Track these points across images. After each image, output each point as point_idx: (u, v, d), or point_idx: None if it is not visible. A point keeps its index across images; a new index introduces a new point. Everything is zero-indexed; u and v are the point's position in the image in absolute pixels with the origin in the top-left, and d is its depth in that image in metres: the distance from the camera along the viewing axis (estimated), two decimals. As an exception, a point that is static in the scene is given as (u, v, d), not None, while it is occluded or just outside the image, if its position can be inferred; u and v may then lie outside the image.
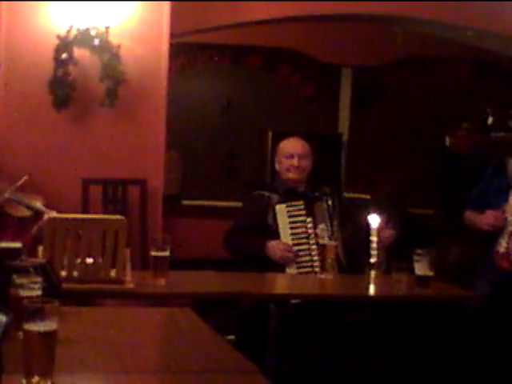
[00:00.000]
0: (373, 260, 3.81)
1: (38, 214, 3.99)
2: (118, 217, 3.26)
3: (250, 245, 3.92)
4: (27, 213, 4.13)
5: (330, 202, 3.98)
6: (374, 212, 3.94)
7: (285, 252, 3.84)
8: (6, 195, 4.13)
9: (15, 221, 4.10)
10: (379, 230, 3.90)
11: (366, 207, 4.05)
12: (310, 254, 3.89)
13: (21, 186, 4.28)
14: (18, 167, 4.73)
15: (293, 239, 3.90)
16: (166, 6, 5.13)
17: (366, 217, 3.87)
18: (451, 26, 6.08)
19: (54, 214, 3.90)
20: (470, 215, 4.03)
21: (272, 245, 3.85)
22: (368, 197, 4.14)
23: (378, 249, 3.89)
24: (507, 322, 3.81)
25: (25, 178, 4.24)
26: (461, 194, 4.33)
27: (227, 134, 7.68)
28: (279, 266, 3.85)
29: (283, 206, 3.94)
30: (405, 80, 7.91)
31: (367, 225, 3.85)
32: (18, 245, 2.52)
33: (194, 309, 2.68)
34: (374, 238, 3.85)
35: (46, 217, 3.82)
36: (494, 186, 3.95)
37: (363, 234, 3.93)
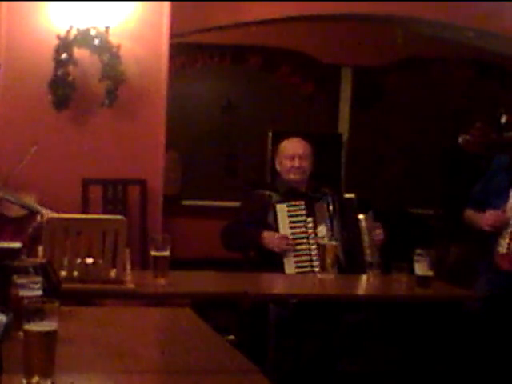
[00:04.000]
0: (368, 259, 3.83)
1: (32, 213, 3.98)
2: (118, 217, 3.26)
3: (245, 235, 3.92)
4: (21, 212, 4.11)
5: (330, 203, 3.98)
6: (361, 210, 3.96)
7: (281, 241, 3.84)
8: (0, 194, 4.10)
9: (11, 223, 4.08)
10: (369, 228, 3.92)
11: (356, 206, 4.05)
12: (309, 254, 3.89)
13: (14, 184, 4.26)
14: (17, 172, 4.72)
15: (293, 239, 3.90)
16: (166, 5, 5.13)
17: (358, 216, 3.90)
18: (451, 25, 6.08)
19: (49, 212, 3.90)
20: (471, 214, 4.02)
21: (268, 234, 3.86)
22: (353, 195, 4.14)
23: (371, 247, 3.91)
24: (507, 323, 3.80)
25: (33, 148, 4.19)
26: (461, 193, 4.32)
27: (227, 134, 7.68)
28: (279, 266, 3.85)
29: (284, 205, 3.94)
30: (405, 80, 7.91)
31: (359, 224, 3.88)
32: (17, 245, 2.52)
33: (193, 309, 2.68)
34: (365, 238, 3.86)
35: (41, 215, 3.82)
36: (495, 184, 3.92)
37: (360, 233, 3.94)
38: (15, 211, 4.15)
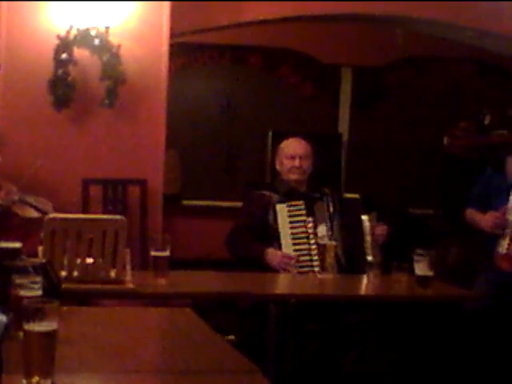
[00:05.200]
0: (369, 258, 3.82)
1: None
2: (118, 217, 3.26)
3: (250, 250, 3.92)
4: (35, 214, 4.14)
5: (330, 203, 3.98)
6: (364, 211, 3.96)
7: (283, 260, 3.83)
8: (16, 198, 4.14)
9: (23, 222, 4.10)
10: (372, 229, 3.92)
11: (360, 207, 4.05)
12: (309, 254, 3.89)
13: (28, 188, 4.28)
14: (19, 167, 4.73)
15: (293, 239, 3.90)
16: (166, 5, 5.13)
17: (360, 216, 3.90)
18: (451, 25, 6.08)
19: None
20: (471, 214, 4.01)
21: (271, 253, 3.85)
22: (357, 196, 4.14)
23: (373, 247, 3.91)
24: (507, 323, 3.80)
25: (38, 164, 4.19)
26: (461, 193, 4.32)
27: (227, 133, 7.68)
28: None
29: (284, 205, 3.95)
30: (405, 80, 7.91)
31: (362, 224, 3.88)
32: (18, 245, 2.51)
33: (193, 309, 2.68)
34: (367, 238, 3.86)
35: None
36: (494, 185, 3.92)
37: (363, 234, 3.94)
38: (29, 212, 4.17)
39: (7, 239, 3.11)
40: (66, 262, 3.06)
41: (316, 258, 3.84)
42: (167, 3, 5.13)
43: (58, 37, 4.89)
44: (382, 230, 3.95)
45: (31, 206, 4.23)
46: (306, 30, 7.22)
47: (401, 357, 4.54)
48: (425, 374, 4.35)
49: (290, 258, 3.84)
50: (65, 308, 2.19)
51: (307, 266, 3.87)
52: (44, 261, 2.49)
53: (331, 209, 3.98)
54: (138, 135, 5.16)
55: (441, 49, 7.41)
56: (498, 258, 3.82)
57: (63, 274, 3.01)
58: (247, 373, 1.98)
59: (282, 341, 3.68)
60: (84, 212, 4.90)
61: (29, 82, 4.97)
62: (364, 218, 3.97)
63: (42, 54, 4.93)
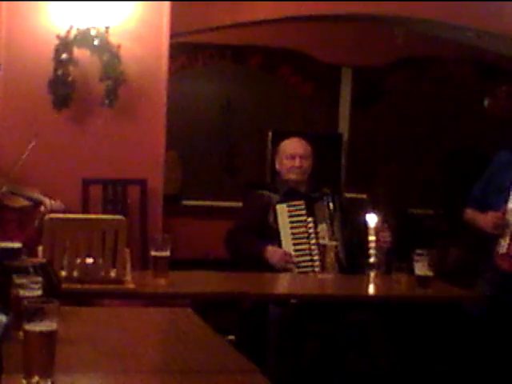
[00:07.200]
0: (371, 260, 3.82)
1: (36, 204, 4.04)
2: (118, 217, 3.26)
3: (249, 248, 3.91)
4: (25, 202, 4.17)
5: (330, 203, 3.98)
6: (370, 211, 3.95)
7: (283, 257, 3.82)
8: (4, 189, 4.16)
9: (16, 214, 4.12)
10: (377, 230, 3.91)
11: (366, 207, 4.05)
12: (310, 254, 3.89)
13: (19, 180, 4.31)
14: (18, 167, 4.72)
15: (293, 239, 3.90)
16: (166, 5, 5.13)
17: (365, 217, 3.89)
18: (451, 25, 6.08)
19: (52, 202, 3.96)
20: (471, 214, 4.01)
21: (271, 250, 3.84)
22: (364, 196, 4.15)
23: (377, 249, 3.90)
24: (507, 323, 3.80)
25: (34, 140, 4.21)
26: (461, 193, 4.32)
27: (227, 133, 7.68)
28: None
29: (284, 205, 3.95)
30: (405, 80, 7.90)
31: (366, 225, 3.86)
32: (18, 245, 2.52)
33: (193, 309, 2.68)
34: (371, 238, 3.85)
35: (45, 205, 3.89)
36: (497, 183, 3.90)
37: (363, 234, 3.94)
38: (19, 202, 4.20)
39: (4, 232, 3.12)
40: (65, 262, 3.06)
41: (316, 257, 3.84)
42: (167, 3, 5.13)
43: (58, 37, 4.89)
44: (385, 237, 3.92)
45: (20, 195, 4.25)
46: (306, 30, 7.22)
47: (401, 357, 4.54)
48: (425, 374, 4.35)
49: (291, 255, 3.83)
50: (65, 308, 2.19)
51: (308, 266, 3.87)
52: (44, 261, 2.49)
53: (331, 209, 3.98)
54: (137, 135, 5.16)
55: (441, 49, 7.41)
56: (498, 258, 3.82)
57: (63, 273, 3.01)
58: (247, 373, 1.98)
59: (282, 341, 3.68)
60: (84, 212, 4.90)
61: (29, 82, 4.97)
62: (369, 218, 3.95)
63: (42, 54, 4.93)
